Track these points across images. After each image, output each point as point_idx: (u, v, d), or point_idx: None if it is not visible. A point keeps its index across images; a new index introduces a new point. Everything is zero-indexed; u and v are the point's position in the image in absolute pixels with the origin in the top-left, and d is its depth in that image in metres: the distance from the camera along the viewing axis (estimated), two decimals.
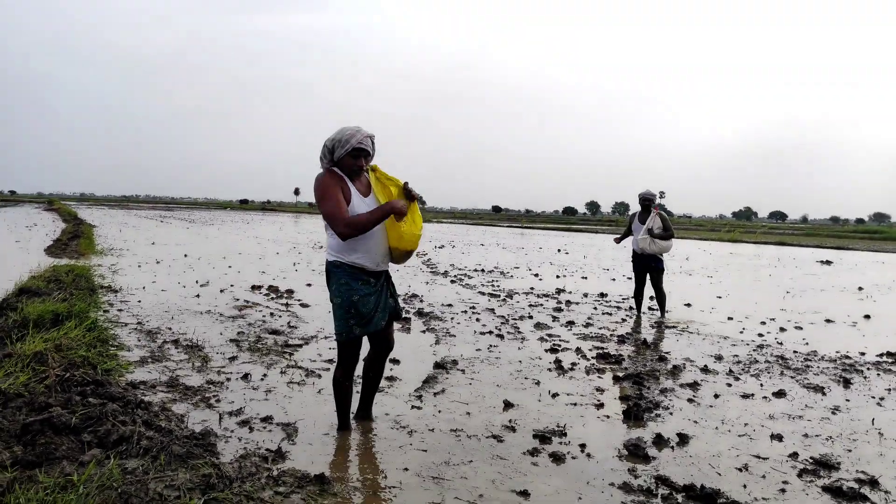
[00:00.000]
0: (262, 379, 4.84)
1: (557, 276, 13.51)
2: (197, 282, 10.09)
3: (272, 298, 8.81)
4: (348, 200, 3.46)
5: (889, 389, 5.25)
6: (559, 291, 10.85)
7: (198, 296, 8.70)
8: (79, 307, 6.14)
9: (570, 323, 7.84)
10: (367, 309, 3.57)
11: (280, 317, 7.42)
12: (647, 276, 8.57)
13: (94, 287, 8.63)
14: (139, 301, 8.02)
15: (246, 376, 4.84)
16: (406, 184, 3.66)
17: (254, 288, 9.69)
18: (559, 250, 23.09)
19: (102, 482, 2.58)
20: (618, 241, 9.03)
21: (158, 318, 7.00)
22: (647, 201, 8.43)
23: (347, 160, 3.48)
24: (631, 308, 9.29)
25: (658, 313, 8.76)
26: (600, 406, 4.55)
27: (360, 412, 4.03)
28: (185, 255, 14.77)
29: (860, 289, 13.13)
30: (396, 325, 7.15)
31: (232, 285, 9.90)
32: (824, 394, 5.06)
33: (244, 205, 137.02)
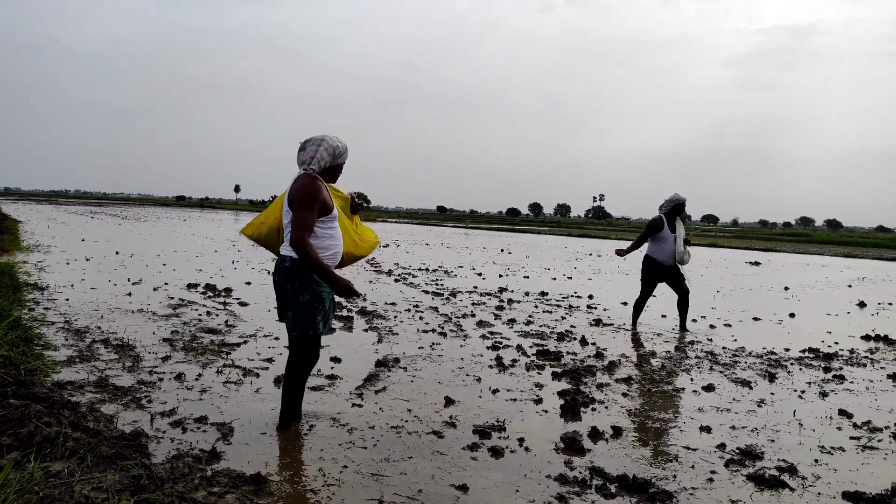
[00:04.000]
0: (196, 378, 4.71)
1: (500, 276, 13.67)
2: (129, 280, 9.74)
3: (209, 297, 8.59)
4: (332, 208, 3.60)
5: (810, 383, 5.53)
6: (501, 290, 10.98)
7: (129, 294, 8.40)
8: (0, 305, 5.83)
9: (512, 321, 7.94)
10: (328, 307, 3.65)
11: (217, 315, 7.24)
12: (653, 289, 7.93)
13: (19, 284, 8.22)
14: (67, 299, 7.68)
15: (180, 376, 4.70)
16: (352, 197, 3.89)
17: (190, 286, 9.41)
18: (502, 250, 23.35)
19: (22, 486, 2.46)
20: (623, 252, 8.06)
21: (87, 316, 6.72)
22: (681, 207, 7.76)
23: (338, 169, 3.73)
24: (571, 307, 9.47)
25: (672, 326, 8.16)
26: (539, 401, 4.63)
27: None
28: (117, 253, 14.22)
29: (786, 289, 13.79)
30: (338, 323, 7.09)
31: (166, 283, 9.60)
32: (751, 388, 5.30)
33: (181, 201, 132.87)
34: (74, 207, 57.12)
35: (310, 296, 3.53)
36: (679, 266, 7.82)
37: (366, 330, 6.95)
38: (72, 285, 8.81)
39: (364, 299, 8.94)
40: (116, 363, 4.97)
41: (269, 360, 5.34)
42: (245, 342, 5.97)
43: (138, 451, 3.15)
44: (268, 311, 7.58)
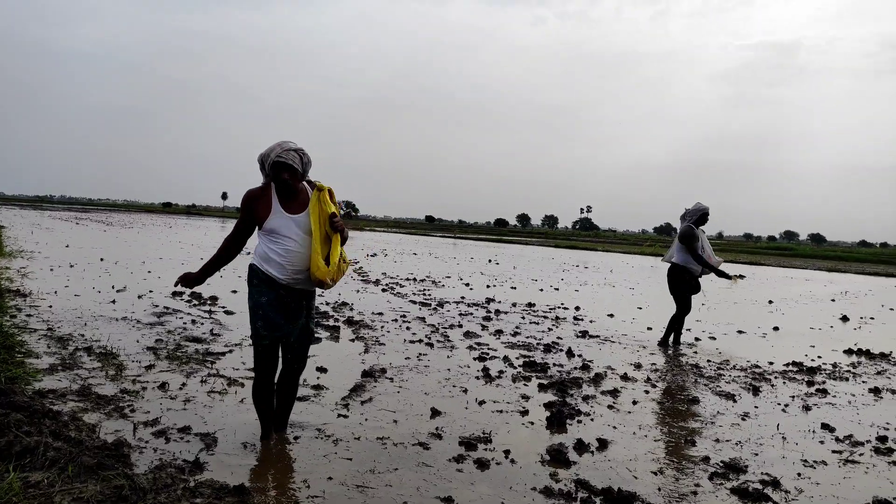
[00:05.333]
0: (180, 388, 4.67)
1: (488, 286, 13.68)
2: (113, 287, 9.65)
3: (194, 305, 8.52)
4: (267, 214, 3.52)
5: (793, 397, 5.58)
6: (489, 301, 10.99)
7: (113, 301, 8.32)
8: None
9: (499, 332, 7.95)
10: (274, 315, 3.57)
11: (202, 324, 7.18)
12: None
13: (1, 291, 8.11)
14: (50, 306, 7.59)
15: (163, 385, 4.66)
16: (332, 215, 3.53)
17: (175, 294, 9.34)
18: (490, 260, 23.38)
19: (0, 497, 2.42)
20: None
21: (70, 324, 6.65)
22: (707, 216, 7.66)
23: (273, 174, 3.51)
24: (558, 318, 9.49)
25: (662, 341, 7.85)
26: (525, 413, 4.63)
27: (274, 425, 3.90)
28: (102, 259, 14.09)
29: (770, 302, 13.91)
30: (324, 333, 7.06)
31: (151, 291, 9.52)
32: (735, 401, 5.33)
33: (167, 208, 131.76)
34: (59, 213, 56.60)
35: (252, 301, 3.62)
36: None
37: (352, 340, 6.92)
38: (55, 292, 8.72)
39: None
40: (99, 371, 4.91)
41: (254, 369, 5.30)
42: (230, 351, 5.93)
43: (121, 462, 3.12)
44: None
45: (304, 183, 3.64)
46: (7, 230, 23.28)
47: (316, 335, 3.87)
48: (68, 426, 3.51)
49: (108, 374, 4.87)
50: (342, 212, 3.78)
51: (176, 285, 3.68)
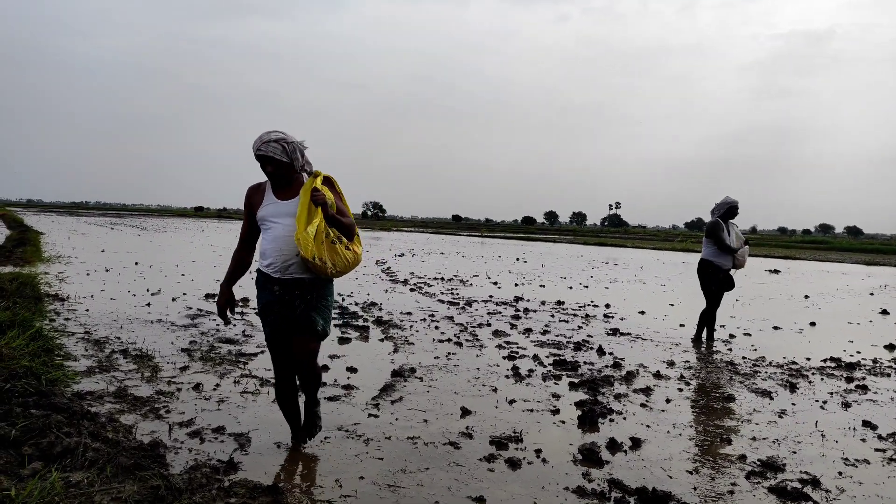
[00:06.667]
0: (214, 389, 4.73)
1: (516, 285, 13.62)
2: (148, 290, 9.84)
3: None
4: (259, 207, 3.45)
5: (832, 393, 5.44)
6: (517, 299, 10.94)
7: (148, 304, 8.48)
8: (22, 316, 5.92)
9: (528, 330, 7.91)
10: (270, 315, 3.47)
11: (234, 325, 7.28)
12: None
13: (40, 295, 8.33)
14: (87, 310, 7.77)
15: (197, 386, 4.73)
16: (314, 189, 3.32)
17: (208, 296, 9.49)
18: (518, 259, 23.28)
19: (43, 496, 2.48)
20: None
21: (107, 327, 6.79)
22: (735, 209, 7.61)
23: (261, 167, 3.40)
24: (588, 316, 9.41)
25: (695, 337, 7.81)
26: (556, 412, 4.59)
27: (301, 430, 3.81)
28: (136, 263, 14.38)
29: (806, 297, 13.60)
30: (354, 333, 7.09)
31: (185, 294, 9.68)
32: (771, 398, 5.22)
33: (199, 212, 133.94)
34: (94, 219, 57.93)
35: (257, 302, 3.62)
36: (731, 272, 7.71)
37: (382, 340, 6.95)
38: (92, 296, 8.92)
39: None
40: (135, 373, 5.01)
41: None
42: (262, 352, 5.99)
43: (157, 462, 3.17)
44: None
45: (304, 174, 3.50)
46: (45, 236, 23.90)
47: (335, 333, 3.73)
48: (106, 427, 3.58)
49: (143, 375, 4.97)
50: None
51: (223, 317, 3.54)
